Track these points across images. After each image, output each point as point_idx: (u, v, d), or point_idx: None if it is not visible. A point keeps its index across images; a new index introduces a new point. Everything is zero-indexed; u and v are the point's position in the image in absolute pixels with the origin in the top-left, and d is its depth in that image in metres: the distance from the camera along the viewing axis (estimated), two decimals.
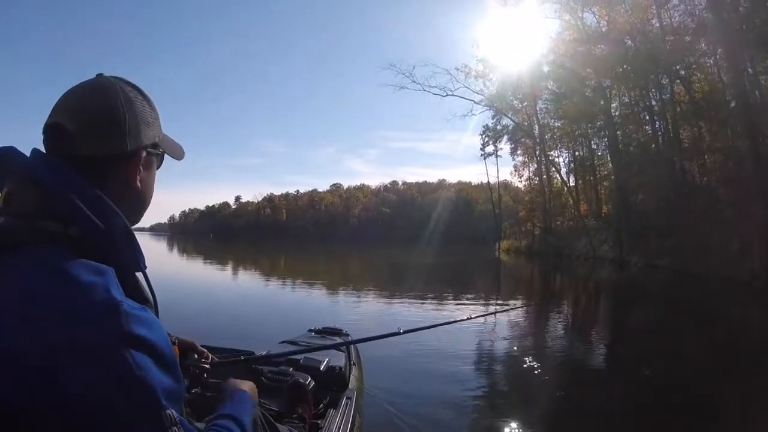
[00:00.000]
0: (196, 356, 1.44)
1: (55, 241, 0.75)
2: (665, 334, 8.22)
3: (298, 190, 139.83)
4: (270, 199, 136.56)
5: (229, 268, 22.04)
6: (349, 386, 2.83)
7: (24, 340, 0.65)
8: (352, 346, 3.40)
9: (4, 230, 0.74)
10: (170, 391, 0.72)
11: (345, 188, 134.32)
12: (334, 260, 28.02)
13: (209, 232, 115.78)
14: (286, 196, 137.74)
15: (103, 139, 0.84)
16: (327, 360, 2.89)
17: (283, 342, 3.36)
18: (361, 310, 10.05)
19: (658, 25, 29.59)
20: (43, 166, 0.80)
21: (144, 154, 0.91)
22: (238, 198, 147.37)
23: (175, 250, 41.64)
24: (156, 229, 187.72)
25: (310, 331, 3.78)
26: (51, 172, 0.79)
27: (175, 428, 0.70)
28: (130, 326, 0.69)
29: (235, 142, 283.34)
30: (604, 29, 31.83)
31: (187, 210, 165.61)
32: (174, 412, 0.71)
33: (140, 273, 0.88)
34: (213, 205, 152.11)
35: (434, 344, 6.41)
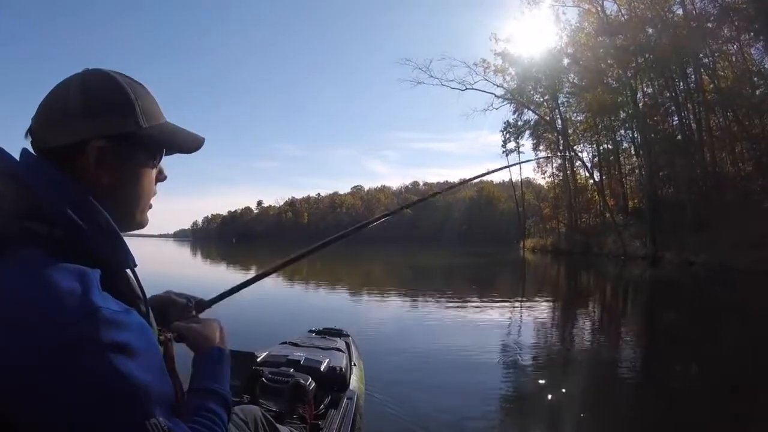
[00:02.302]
0: (176, 308, 1.21)
1: (40, 242, 0.73)
2: (705, 334, 7.65)
3: (319, 193, 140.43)
4: (291, 203, 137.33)
5: (237, 270, 21.80)
6: (350, 387, 2.82)
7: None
8: (352, 346, 3.50)
9: None
10: (157, 395, 0.71)
11: (366, 190, 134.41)
12: (352, 262, 27.47)
13: (232, 237, 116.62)
14: (308, 199, 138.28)
15: (54, 128, 0.82)
16: (328, 360, 2.90)
17: (283, 343, 3.38)
18: (373, 312, 9.75)
19: (681, 12, 28.63)
20: (24, 165, 0.79)
21: (101, 143, 0.82)
22: (260, 203, 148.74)
23: (190, 253, 41.84)
24: (179, 236, 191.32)
25: (311, 331, 3.79)
26: (31, 171, 0.78)
27: None
28: (110, 331, 0.68)
29: (255, 146, 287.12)
30: (623, 18, 30.88)
31: (209, 216, 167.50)
32: (162, 419, 0.70)
33: (130, 272, 0.87)
34: (235, 211, 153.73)
35: (438, 344, 6.35)
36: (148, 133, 0.87)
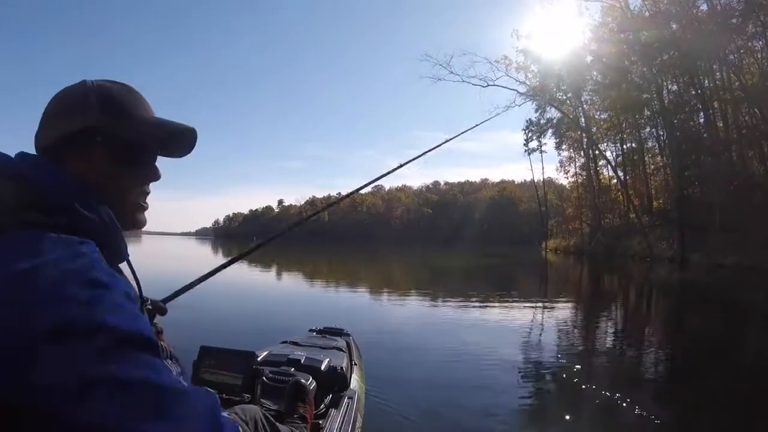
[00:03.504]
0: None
1: (41, 227, 0.74)
2: (735, 341, 7.31)
3: (339, 193, 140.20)
4: (312, 202, 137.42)
5: (244, 269, 21.79)
6: (351, 386, 2.83)
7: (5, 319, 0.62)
8: (353, 345, 3.53)
9: None
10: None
11: (387, 189, 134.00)
12: (368, 261, 27.31)
13: (253, 236, 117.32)
14: (328, 198, 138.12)
15: (39, 131, 0.90)
16: (328, 360, 2.88)
17: (284, 342, 3.37)
18: (375, 312, 9.65)
19: (705, 8, 27.91)
20: (27, 162, 0.83)
21: (66, 141, 0.86)
22: (280, 201, 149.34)
23: (204, 250, 41.59)
24: (201, 234, 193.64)
25: (311, 331, 3.82)
26: (30, 166, 0.81)
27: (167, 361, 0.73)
28: (116, 288, 0.69)
29: (278, 146, 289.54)
30: (647, 14, 30.17)
31: (231, 214, 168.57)
32: (167, 360, 0.74)
33: (126, 265, 0.93)
34: (256, 209, 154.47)
35: (442, 345, 6.26)
36: (107, 128, 0.88)
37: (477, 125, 3.53)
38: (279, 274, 18.32)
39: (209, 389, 0.80)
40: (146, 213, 0.97)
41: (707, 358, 6.29)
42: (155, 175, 0.97)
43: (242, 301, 9.77)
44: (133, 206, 0.93)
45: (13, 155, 0.84)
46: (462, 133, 2.48)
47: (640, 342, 7.56)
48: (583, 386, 4.69)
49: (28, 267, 0.65)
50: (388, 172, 2.79)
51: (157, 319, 1.23)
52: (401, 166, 2.80)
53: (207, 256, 32.49)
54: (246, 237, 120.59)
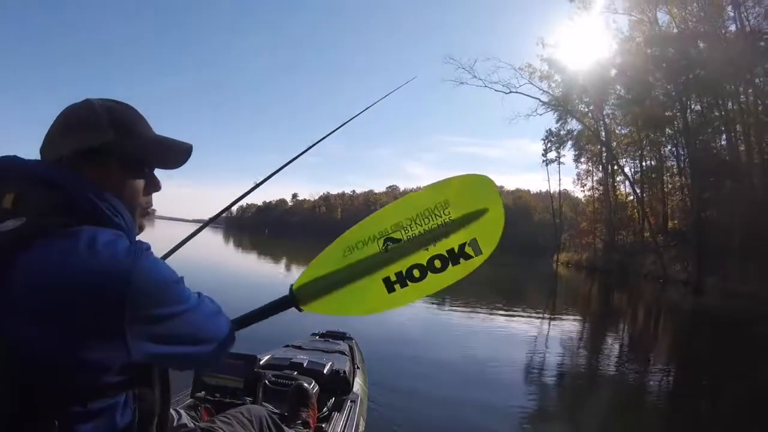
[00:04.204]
0: None
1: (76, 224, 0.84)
2: (744, 374, 7.07)
3: (354, 190, 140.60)
4: (326, 198, 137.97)
5: (251, 267, 21.70)
6: (353, 390, 2.86)
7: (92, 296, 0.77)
8: (356, 349, 3.59)
9: (33, 224, 0.81)
10: None
11: (401, 190, 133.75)
12: None
13: (264, 228, 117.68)
14: (342, 195, 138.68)
15: (45, 148, 0.98)
16: (331, 364, 2.90)
17: (286, 346, 3.40)
18: (378, 317, 9.20)
19: (733, 28, 27.42)
20: (52, 169, 0.91)
21: (74, 157, 0.94)
22: (294, 195, 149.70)
23: (221, 242, 41.70)
24: (214, 223, 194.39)
25: (314, 335, 3.87)
26: (61, 173, 0.89)
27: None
28: (153, 257, 0.88)
29: (297, 141, 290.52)
30: (675, 30, 29.71)
31: (244, 205, 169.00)
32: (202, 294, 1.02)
33: None
34: (270, 201, 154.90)
35: (444, 350, 6.39)
36: (119, 145, 0.96)
37: (398, 88, 3.35)
38: (283, 273, 18.20)
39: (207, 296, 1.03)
40: (157, 203, 1.09)
41: (713, 387, 6.18)
42: (157, 186, 1.08)
43: (245, 303, 9.43)
44: (140, 213, 1.04)
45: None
46: (386, 96, 2.51)
47: (646, 364, 7.47)
48: (584, 404, 4.87)
49: (103, 244, 0.80)
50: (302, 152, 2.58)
51: None
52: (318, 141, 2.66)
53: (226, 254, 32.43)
54: (257, 228, 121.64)
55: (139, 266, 0.80)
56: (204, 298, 1.00)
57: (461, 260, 1.34)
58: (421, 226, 1.33)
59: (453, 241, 1.33)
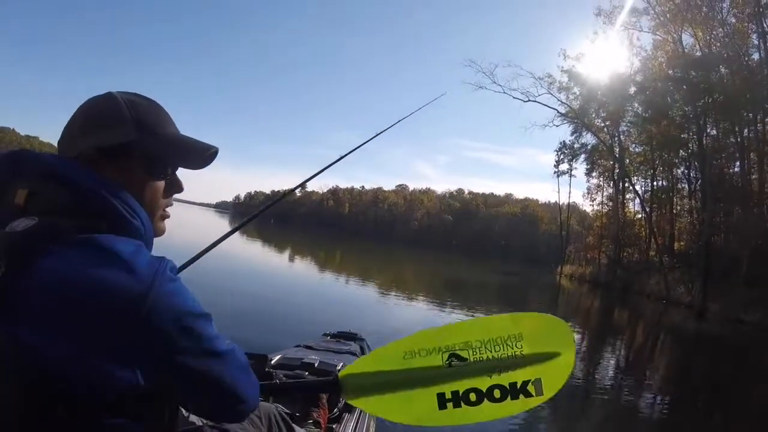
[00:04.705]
0: None
1: (95, 231, 0.82)
2: (744, 403, 7.12)
3: (363, 186, 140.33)
4: (335, 192, 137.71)
5: (257, 265, 21.82)
6: None
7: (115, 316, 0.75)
8: (367, 350, 3.54)
9: (49, 226, 0.79)
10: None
11: (410, 190, 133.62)
12: (387, 264, 27.26)
13: (270, 217, 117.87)
14: (351, 190, 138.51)
15: (64, 143, 0.94)
16: (342, 364, 2.83)
17: (297, 345, 3.37)
18: (389, 317, 9.85)
19: (756, 57, 27.35)
20: (68, 165, 0.86)
21: (95, 155, 0.91)
22: (303, 186, 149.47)
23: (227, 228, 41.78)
24: (221, 207, 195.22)
25: (325, 335, 3.83)
26: (76, 170, 0.86)
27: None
28: (174, 275, 0.84)
29: (310, 132, 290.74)
30: (698, 53, 29.64)
31: (252, 192, 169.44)
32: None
33: None
34: (278, 191, 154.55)
35: None
36: (142, 144, 0.93)
37: (430, 103, 3.44)
38: (294, 271, 18.27)
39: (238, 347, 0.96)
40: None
41: (710, 411, 6.35)
42: (179, 188, 1.05)
43: (254, 303, 9.66)
44: (161, 216, 1.02)
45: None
46: (420, 108, 2.66)
47: (644, 383, 7.51)
48: (579, 418, 4.94)
49: (117, 260, 0.78)
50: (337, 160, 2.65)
51: None
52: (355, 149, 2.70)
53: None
54: (263, 216, 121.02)
55: (159, 289, 0.78)
56: (235, 349, 0.94)
57: (521, 396, 1.33)
58: (491, 351, 1.32)
59: (518, 376, 1.32)
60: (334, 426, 2.33)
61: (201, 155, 1.02)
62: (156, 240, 0.98)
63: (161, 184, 0.99)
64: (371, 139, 2.61)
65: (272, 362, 2.67)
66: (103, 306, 0.74)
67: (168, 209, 1.04)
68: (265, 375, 2.07)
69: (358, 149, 2.51)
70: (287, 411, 2.07)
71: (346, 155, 2.45)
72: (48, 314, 0.73)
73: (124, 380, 0.76)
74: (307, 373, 2.67)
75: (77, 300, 0.73)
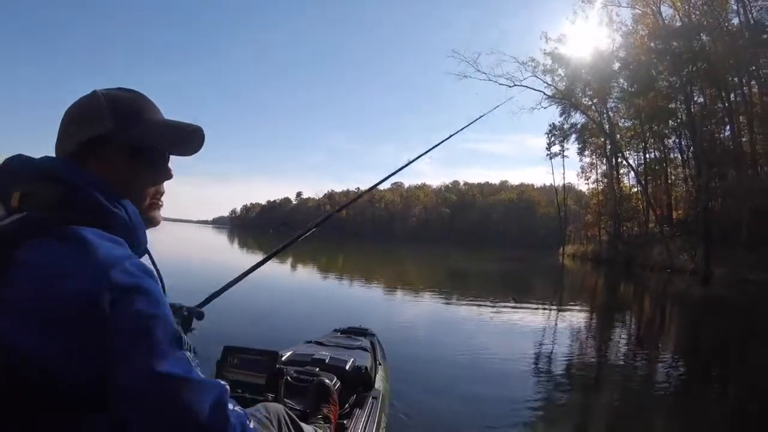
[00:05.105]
0: None
1: (77, 224, 0.82)
2: (756, 361, 7.08)
3: (358, 188, 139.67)
4: (330, 196, 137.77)
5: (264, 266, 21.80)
6: (375, 386, 2.82)
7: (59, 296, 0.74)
8: (378, 346, 3.55)
9: (29, 220, 0.80)
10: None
11: (406, 187, 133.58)
12: (382, 260, 27.24)
13: (269, 227, 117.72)
14: (347, 193, 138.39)
15: (57, 142, 0.97)
16: (353, 360, 2.86)
17: (308, 341, 3.39)
18: (399, 312, 9.62)
19: (736, 21, 27.52)
20: (54, 164, 0.91)
21: (79, 149, 0.94)
22: (299, 194, 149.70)
23: (223, 241, 41.78)
24: (218, 223, 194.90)
25: (336, 330, 3.83)
26: (67, 169, 0.89)
27: (188, 353, 0.81)
28: (145, 277, 0.80)
29: (302, 138, 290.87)
30: (678, 23, 29.79)
31: (248, 204, 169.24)
32: (189, 354, 0.81)
33: (148, 258, 1.01)
34: (274, 200, 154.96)
35: (465, 346, 6.31)
36: (120, 133, 0.94)
37: (482, 116, 3.49)
38: (299, 271, 18.23)
39: (220, 381, 0.84)
40: (165, 203, 1.06)
41: (725, 376, 6.24)
42: (168, 175, 1.04)
43: (265, 300, 9.46)
44: (150, 205, 1.01)
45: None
46: (469, 124, 2.96)
47: (657, 353, 7.50)
48: (595, 392, 4.98)
49: (87, 254, 0.76)
50: (400, 168, 2.86)
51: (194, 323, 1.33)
52: (409, 162, 2.87)
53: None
54: (262, 228, 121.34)
55: (121, 288, 0.75)
56: (215, 384, 0.81)
57: None
58: None
59: None
60: (344, 422, 2.31)
61: (184, 136, 1.01)
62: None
63: (146, 172, 0.99)
64: (433, 147, 2.77)
65: (283, 359, 2.67)
66: (63, 302, 0.73)
67: (163, 199, 1.04)
68: (277, 371, 2.15)
69: (423, 155, 2.64)
70: (298, 408, 2.15)
71: (414, 160, 2.60)
72: (22, 308, 0.73)
73: (78, 379, 0.73)
74: (317, 368, 2.66)
75: (41, 294, 0.73)
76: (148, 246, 0.99)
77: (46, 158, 0.92)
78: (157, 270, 0.96)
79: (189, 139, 1.02)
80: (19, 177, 0.87)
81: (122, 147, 0.95)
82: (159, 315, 0.78)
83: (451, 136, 2.70)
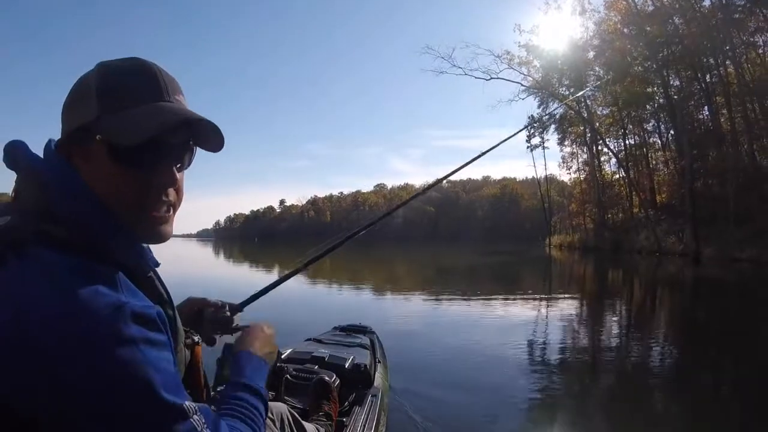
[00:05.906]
0: (212, 310, 1.31)
1: (59, 244, 0.70)
2: (752, 338, 6.99)
3: (341, 192, 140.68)
4: (314, 202, 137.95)
5: (259, 267, 21.65)
6: (375, 384, 2.84)
7: (21, 344, 0.62)
8: (377, 343, 3.61)
9: (6, 230, 0.69)
10: (180, 383, 0.71)
11: (389, 188, 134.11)
12: (372, 260, 27.01)
13: (254, 237, 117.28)
14: (330, 198, 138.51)
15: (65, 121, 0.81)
16: (352, 358, 2.88)
17: (308, 340, 3.40)
18: (397, 310, 9.58)
19: (708, 3, 27.74)
20: (40, 164, 0.77)
21: (66, 140, 0.79)
22: (282, 202, 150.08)
23: (211, 253, 41.55)
24: (202, 235, 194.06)
25: (336, 328, 3.87)
26: (50, 169, 0.76)
27: (195, 416, 0.69)
28: (137, 325, 0.66)
29: (283, 145, 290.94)
30: (650, 8, 30.01)
31: (232, 215, 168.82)
32: (191, 403, 0.70)
33: (154, 275, 0.86)
34: (258, 210, 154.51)
35: (463, 342, 6.30)
36: (102, 123, 0.75)
37: (510, 137, 3.26)
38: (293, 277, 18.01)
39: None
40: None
41: (722, 355, 6.18)
42: (169, 180, 0.80)
43: (265, 299, 9.26)
44: (151, 218, 0.79)
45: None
46: (497, 145, 2.86)
47: (651, 336, 7.42)
48: (592, 379, 5.04)
49: (58, 311, 0.63)
50: (440, 180, 2.97)
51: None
52: (446, 177, 2.91)
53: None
54: (247, 238, 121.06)
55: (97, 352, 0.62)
56: None
57: None
58: None
59: None
60: (344, 419, 2.32)
61: (209, 130, 0.82)
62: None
63: (140, 175, 0.76)
64: (469, 162, 2.77)
65: (283, 356, 2.70)
66: (19, 337, 0.62)
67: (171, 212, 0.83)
68: (276, 369, 2.02)
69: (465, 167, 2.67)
70: (298, 406, 2.17)
71: (456, 170, 2.62)
72: None
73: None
74: (317, 366, 2.66)
75: (10, 324, 0.62)
76: (154, 261, 0.86)
77: (38, 155, 0.78)
78: (166, 291, 0.85)
79: (205, 132, 0.83)
80: (18, 167, 0.77)
81: (107, 141, 0.75)
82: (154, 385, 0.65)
83: (477, 157, 2.85)
